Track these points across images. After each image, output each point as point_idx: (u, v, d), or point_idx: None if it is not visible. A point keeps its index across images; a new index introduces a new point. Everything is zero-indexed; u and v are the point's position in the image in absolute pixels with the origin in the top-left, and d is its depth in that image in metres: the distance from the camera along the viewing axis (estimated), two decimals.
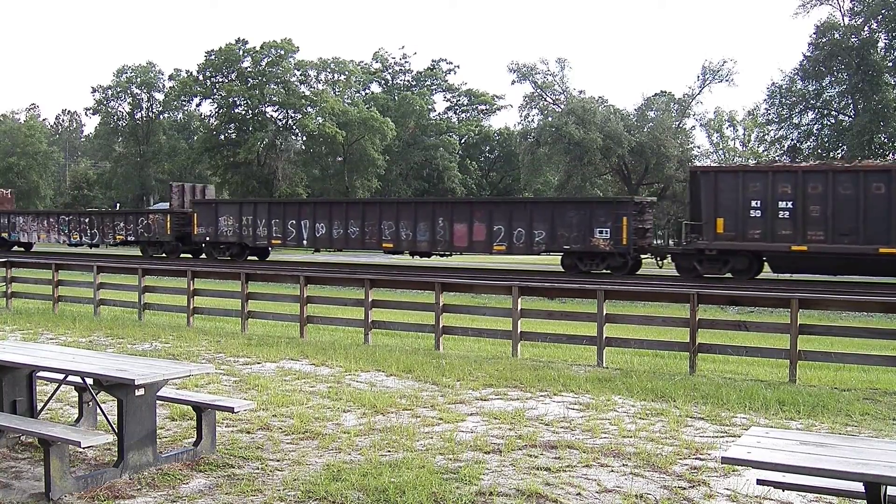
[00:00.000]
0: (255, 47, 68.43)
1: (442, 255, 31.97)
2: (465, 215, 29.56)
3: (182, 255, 37.29)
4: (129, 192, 77.60)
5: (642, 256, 28.65)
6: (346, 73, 72.79)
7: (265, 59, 68.18)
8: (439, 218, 29.86)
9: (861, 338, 11.57)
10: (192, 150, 74.33)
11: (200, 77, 70.53)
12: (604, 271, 27.49)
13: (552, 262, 36.36)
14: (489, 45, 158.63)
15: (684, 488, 5.18)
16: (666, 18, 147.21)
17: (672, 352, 11.06)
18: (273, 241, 33.90)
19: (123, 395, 5.35)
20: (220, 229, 34.74)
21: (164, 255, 37.35)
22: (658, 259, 29.16)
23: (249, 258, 35.31)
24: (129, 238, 38.35)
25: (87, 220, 40.25)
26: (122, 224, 38.59)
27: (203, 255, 37.08)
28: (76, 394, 6.75)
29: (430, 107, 78.24)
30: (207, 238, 35.12)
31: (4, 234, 42.54)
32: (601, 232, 27.01)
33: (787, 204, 24.13)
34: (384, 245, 31.35)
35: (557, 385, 8.54)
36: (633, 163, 59.95)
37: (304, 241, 33.10)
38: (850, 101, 47.05)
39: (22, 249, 44.05)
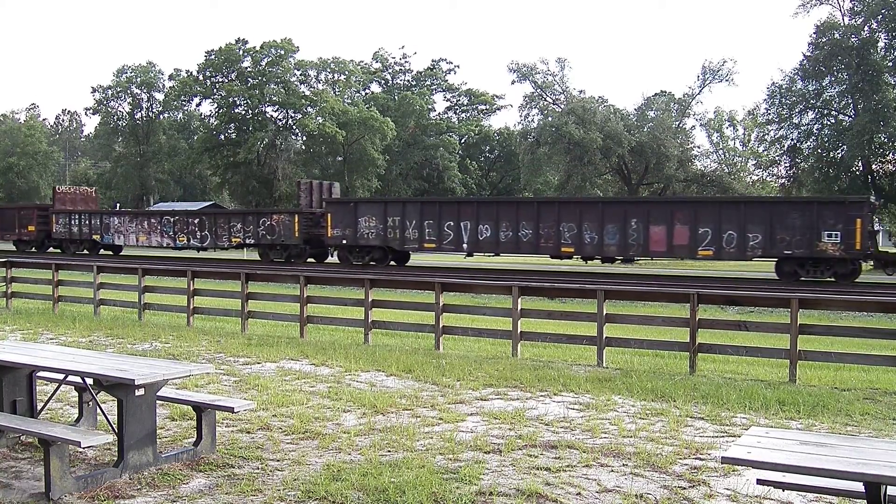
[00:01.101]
0: (255, 47, 68.46)
1: (631, 261, 29.39)
2: (664, 216, 26.69)
3: (307, 260, 34.00)
4: (129, 192, 77.65)
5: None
6: (346, 73, 72.83)
7: (265, 59, 68.22)
8: (632, 219, 27.04)
9: (861, 338, 11.57)
10: (192, 150, 74.36)
11: (200, 77, 70.57)
12: (828, 279, 25.23)
13: (734, 268, 34.14)
14: (489, 45, 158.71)
15: (684, 488, 5.18)
16: (666, 18, 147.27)
17: (672, 352, 11.06)
18: (426, 245, 30.48)
19: (123, 395, 5.35)
20: (359, 231, 31.23)
21: (289, 259, 33.71)
22: (888, 266, 26.82)
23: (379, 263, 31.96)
24: (247, 241, 34.89)
25: (196, 221, 36.78)
26: (239, 225, 35.02)
27: (327, 260, 34.17)
28: (76, 394, 6.75)
29: (430, 107, 78.26)
30: (344, 241, 31.65)
31: (96, 237, 39.62)
32: (830, 235, 24.37)
33: None
34: (563, 249, 28.25)
35: (557, 385, 8.54)
36: (633, 163, 59.96)
37: (465, 245, 29.86)
38: (850, 101, 46.99)
39: (110, 253, 41.18)
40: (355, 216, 31.51)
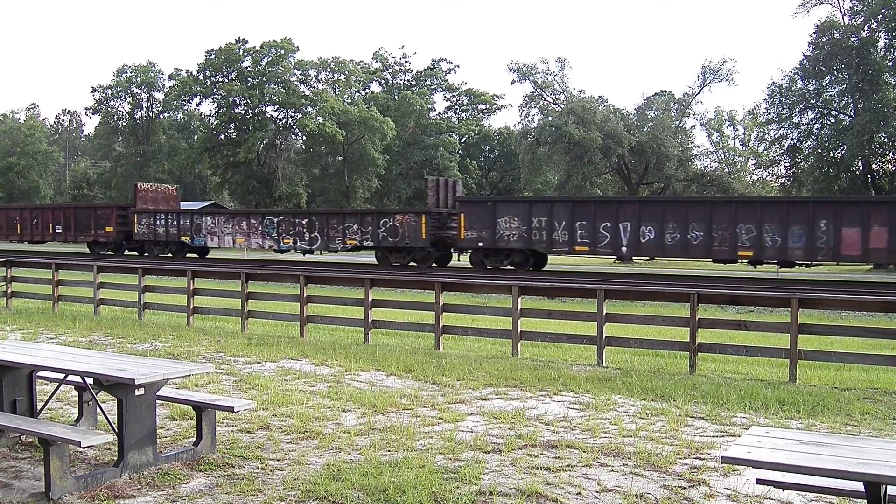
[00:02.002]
0: (255, 47, 68.50)
1: (816, 265, 26.99)
2: (859, 217, 24.33)
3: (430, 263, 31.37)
4: (128, 192, 77.54)
5: None
6: (346, 72, 72.86)
7: (265, 59, 68.25)
8: (821, 220, 24.72)
9: (861, 337, 11.55)
10: (192, 149, 74.40)
11: (200, 77, 70.61)
12: None
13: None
14: (489, 45, 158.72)
15: (684, 488, 5.18)
16: (666, 18, 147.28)
17: (672, 351, 11.05)
18: (577, 248, 27.93)
19: (123, 395, 5.35)
20: (499, 233, 28.68)
21: (411, 262, 31.13)
22: None
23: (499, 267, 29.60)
24: (364, 243, 31.94)
25: (304, 222, 33.68)
26: (355, 226, 32.11)
27: (450, 264, 31.41)
28: (76, 393, 6.75)
29: (430, 106, 78.30)
30: (480, 244, 29.06)
31: (185, 238, 36.65)
32: None
33: None
34: (741, 253, 25.94)
35: (557, 385, 8.54)
36: (633, 162, 60.00)
37: (624, 248, 27.43)
38: (850, 101, 47.03)
39: (195, 256, 38.30)
40: (494, 217, 28.88)
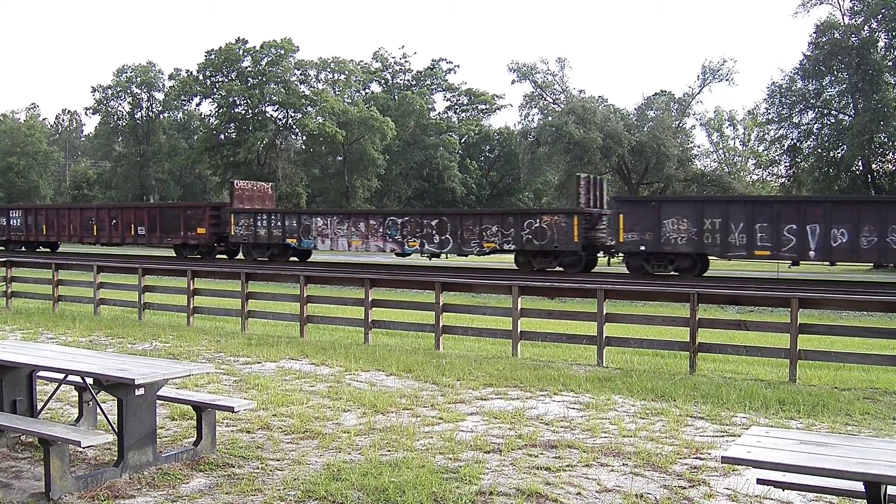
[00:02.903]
0: (255, 47, 68.48)
1: None
2: None
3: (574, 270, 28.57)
4: (129, 192, 77.67)
5: None
6: (346, 72, 72.85)
7: (265, 59, 68.24)
8: None
9: (861, 337, 11.57)
10: (192, 149, 74.39)
11: (200, 77, 70.60)
12: None
13: None
14: (489, 45, 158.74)
15: (684, 488, 5.18)
16: (666, 18, 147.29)
17: (672, 351, 11.05)
18: (756, 252, 25.40)
19: (123, 395, 5.35)
20: (664, 235, 26.29)
21: (557, 267, 28.65)
22: None
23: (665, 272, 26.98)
24: (505, 246, 29.21)
25: (434, 223, 30.56)
26: (494, 227, 29.24)
27: (594, 269, 28.90)
28: (76, 393, 6.75)
29: (430, 106, 78.28)
30: (643, 247, 26.63)
31: (291, 240, 33.48)
32: None
33: None
34: None
35: (557, 384, 8.54)
36: (633, 162, 60.00)
37: (812, 252, 24.80)
38: (850, 101, 47.03)
39: (296, 259, 34.93)
40: (658, 218, 26.36)
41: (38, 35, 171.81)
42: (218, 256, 36.44)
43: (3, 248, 43.06)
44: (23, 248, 42.22)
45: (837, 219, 24.47)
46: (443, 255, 32.29)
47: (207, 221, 35.64)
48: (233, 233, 34.73)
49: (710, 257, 27.28)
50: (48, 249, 43.17)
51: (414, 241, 30.90)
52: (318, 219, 33.58)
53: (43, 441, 5.05)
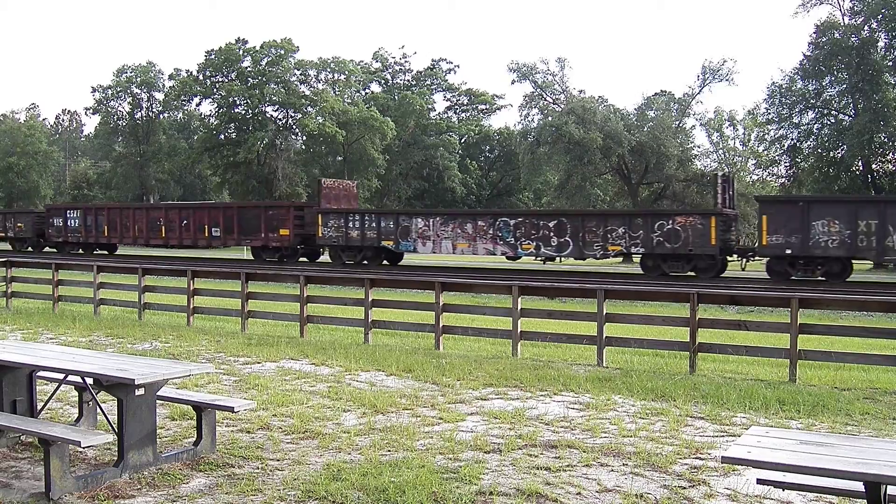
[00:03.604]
0: (255, 47, 68.46)
1: None
2: None
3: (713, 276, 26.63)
4: (129, 192, 77.67)
5: None
6: (346, 72, 72.82)
7: (265, 59, 68.22)
8: None
9: (861, 337, 11.57)
10: (192, 149, 74.38)
11: (200, 77, 70.56)
12: None
13: None
14: (489, 45, 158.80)
15: (684, 488, 5.18)
16: (666, 18, 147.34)
17: (672, 351, 11.06)
18: None
19: (123, 395, 5.35)
20: (813, 238, 24.38)
21: (690, 272, 26.62)
22: None
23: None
24: (633, 249, 27.39)
25: (552, 225, 28.29)
26: (621, 229, 27.20)
27: (724, 273, 27.06)
28: (76, 394, 6.75)
29: (430, 106, 78.25)
30: (788, 251, 24.79)
31: (388, 243, 31.07)
32: None
33: None
34: None
35: (557, 385, 8.54)
36: (633, 162, 59.94)
37: None
38: (850, 101, 47.01)
39: (386, 264, 32.63)
40: (806, 219, 24.52)
41: (38, 35, 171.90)
42: (302, 260, 34.51)
43: (55, 249, 41.15)
44: (80, 251, 39.89)
45: None
46: (559, 259, 30.42)
47: (291, 222, 33.20)
48: (320, 234, 32.33)
49: (857, 261, 25.66)
50: (105, 252, 41.19)
51: (529, 243, 28.67)
52: (419, 220, 31.09)
53: (43, 441, 5.05)
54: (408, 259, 35.42)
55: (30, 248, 42.79)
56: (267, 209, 35.00)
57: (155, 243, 38.26)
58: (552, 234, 28.26)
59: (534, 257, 29.69)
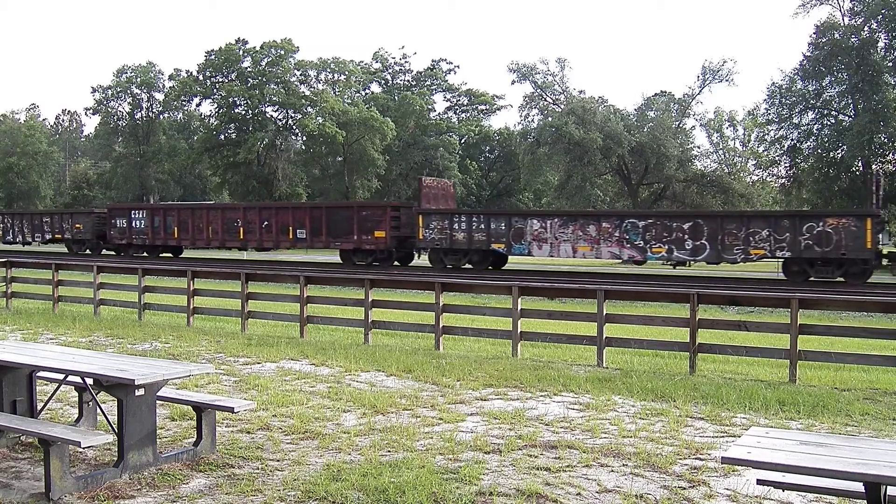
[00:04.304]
0: (255, 47, 68.49)
1: None
2: None
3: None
4: (128, 192, 77.69)
5: None
6: (346, 73, 72.85)
7: (265, 59, 68.24)
8: None
9: (861, 338, 11.58)
10: (192, 150, 74.40)
11: (200, 77, 70.59)
12: None
13: None
14: (489, 45, 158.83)
15: (684, 488, 5.18)
16: (666, 18, 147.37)
17: (672, 352, 11.06)
18: None
19: (123, 395, 5.35)
20: None
21: (839, 278, 24.58)
22: None
23: None
24: (777, 252, 25.13)
25: (687, 227, 26.12)
26: (765, 232, 24.96)
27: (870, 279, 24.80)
28: (76, 394, 6.75)
29: (430, 107, 78.29)
30: None
31: (498, 245, 28.99)
32: None
33: None
34: None
35: (557, 385, 8.53)
36: (633, 163, 59.96)
37: None
38: (850, 101, 46.98)
39: (491, 268, 29.73)
40: None
41: (38, 35, 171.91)
42: (396, 263, 32.35)
43: (113, 251, 39.12)
44: (144, 254, 37.73)
45: None
46: (690, 263, 28.69)
47: (388, 223, 30.89)
48: (421, 236, 30.08)
49: None
50: (170, 255, 38.78)
51: (660, 246, 26.65)
52: (535, 221, 28.84)
53: (43, 441, 5.05)
54: (516, 263, 33.45)
55: (88, 251, 39.95)
56: (360, 209, 32.80)
57: (231, 245, 35.97)
58: (687, 236, 26.21)
59: (664, 261, 28.18)
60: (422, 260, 33.40)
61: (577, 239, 27.93)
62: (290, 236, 33.42)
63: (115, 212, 38.95)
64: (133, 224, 37.57)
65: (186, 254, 40.36)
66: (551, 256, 28.99)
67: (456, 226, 29.63)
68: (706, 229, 25.89)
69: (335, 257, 36.42)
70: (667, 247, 26.55)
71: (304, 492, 5.06)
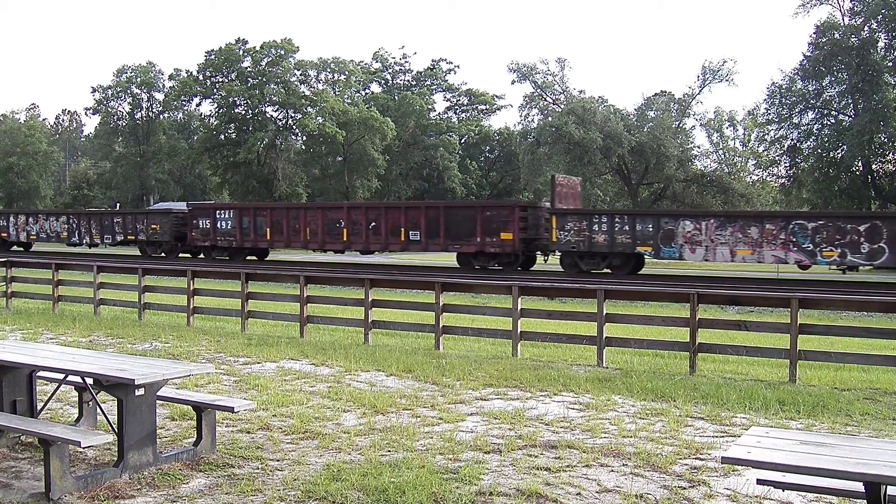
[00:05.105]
0: (255, 47, 68.46)
1: None
2: None
3: None
4: (129, 192, 77.68)
5: None
6: (346, 72, 72.84)
7: (265, 59, 68.22)
8: None
9: (861, 337, 11.57)
10: (192, 150, 74.39)
11: (200, 77, 70.56)
12: None
13: None
14: (489, 45, 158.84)
15: (684, 488, 5.18)
16: (666, 18, 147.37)
17: (672, 352, 11.05)
18: None
19: (123, 395, 5.35)
20: None
21: None
22: None
23: None
24: None
25: (863, 228, 24.10)
26: None
27: None
28: (76, 394, 6.75)
29: (430, 107, 78.29)
30: None
31: (645, 249, 27.01)
32: None
33: None
34: None
35: (557, 385, 8.53)
36: (633, 163, 59.95)
37: None
38: (850, 101, 46.99)
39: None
40: None
41: (38, 35, 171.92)
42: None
43: (189, 254, 37.17)
44: (227, 257, 35.36)
45: None
46: (861, 268, 26.64)
47: (517, 224, 28.73)
48: (555, 238, 28.02)
49: None
50: (254, 258, 36.39)
51: (831, 250, 24.60)
52: (687, 222, 26.63)
53: (43, 441, 5.05)
54: (656, 267, 31.73)
55: (163, 254, 37.64)
56: (484, 209, 30.38)
57: (332, 248, 33.61)
58: (863, 239, 24.18)
59: (833, 265, 26.30)
60: (548, 264, 31.13)
61: (735, 242, 25.81)
62: (402, 238, 31.08)
63: (197, 211, 36.74)
64: (218, 225, 35.24)
65: (281, 256, 37.91)
66: (706, 260, 27.02)
67: (596, 227, 27.52)
68: (885, 231, 23.83)
69: (443, 261, 34.39)
70: (839, 250, 24.56)
71: (304, 492, 5.06)
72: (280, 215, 34.22)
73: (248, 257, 36.17)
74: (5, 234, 43.18)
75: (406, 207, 33.44)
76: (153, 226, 37.80)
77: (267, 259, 36.90)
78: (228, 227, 35.09)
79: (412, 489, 4.97)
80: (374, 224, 31.72)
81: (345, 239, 32.24)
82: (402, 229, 31.01)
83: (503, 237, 28.96)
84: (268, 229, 34.04)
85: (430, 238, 30.47)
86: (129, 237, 38.62)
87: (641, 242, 27.01)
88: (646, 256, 27.90)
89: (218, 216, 35.48)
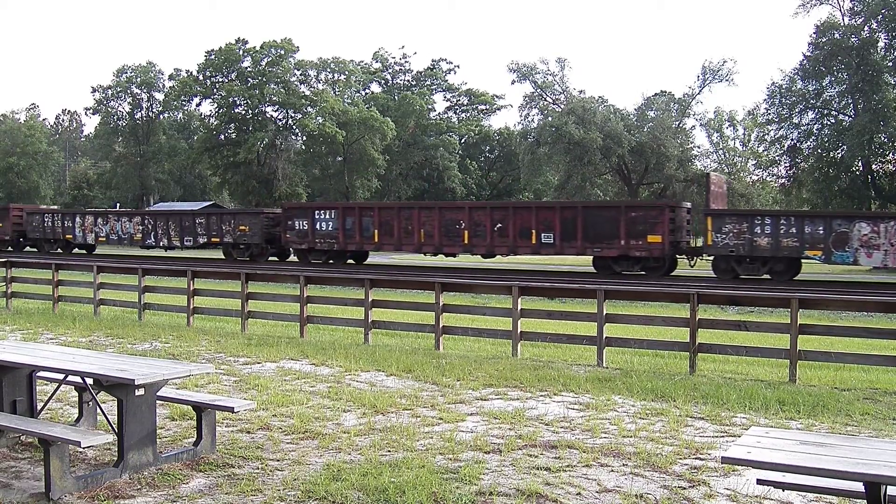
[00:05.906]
0: (255, 47, 68.47)
1: None
2: None
3: None
4: (129, 192, 77.68)
5: None
6: (346, 72, 72.85)
7: (265, 59, 68.22)
8: None
9: (861, 338, 11.57)
10: (192, 150, 74.40)
11: (200, 77, 70.57)
12: None
13: None
14: (489, 45, 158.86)
15: (684, 488, 5.18)
16: (666, 18, 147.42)
17: (672, 352, 11.06)
18: None
19: (123, 395, 5.35)
20: None
21: None
22: None
23: None
24: None
25: None
26: None
27: None
28: (76, 394, 6.75)
29: (430, 107, 78.27)
30: None
31: (814, 253, 24.71)
32: None
33: None
34: None
35: (557, 385, 8.53)
36: (633, 163, 59.95)
37: None
38: (850, 101, 46.96)
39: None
40: None
41: (38, 35, 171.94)
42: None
43: (276, 258, 35.59)
44: (329, 260, 32.91)
45: None
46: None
47: (666, 226, 26.46)
48: (710, 241, 25.91)
49: None
50: (353, 261, 33.85)
51: None
52: (863, 224, 24.37)
53: (43, 441, 5.05)
54: (812, 272, 29.68)
55: (248, 258, 35.09)
56: (628, 209, 27.75)
57: (451, 251, 30.62)
58: None
59: None
60: (696, 268, 29.04)
61: (889, 246, 23.80)
62: (533, 240, 28.65)
63: (292, 212, 34.10)
64: (317, 226, 32.74)
65: (389, 261, 35.54)
66: (884, 266, 24.81)
67: (758, 229, 25.22)
68: None
69: (571, 264, 31.94)
70: None
71: (304, 492, 5.06)
72: (390, 215, 31.67)
73: (348, 261, 33.83)
74: (70, 236, 40.64)
75: (538, 207, 31.45)
76: (242, 227, 35.32)
77: (366, 262, 34.70)
78: (330, 229, 32.57)
79: (412, 489, 4.97)
80: (500, 226, 29.28)
81: (466, 241, 29.74)
82: (533, 231, 28.63)
83: (650, 240, 26.63)
84: (375, 230, 31.52)
85: (565, 240, 28.18)
86: (213, 239, 36.16)
87: (811, 246, 24.69)
88: (815, 261, 25.84)
89: (317, 217, 32.95)
